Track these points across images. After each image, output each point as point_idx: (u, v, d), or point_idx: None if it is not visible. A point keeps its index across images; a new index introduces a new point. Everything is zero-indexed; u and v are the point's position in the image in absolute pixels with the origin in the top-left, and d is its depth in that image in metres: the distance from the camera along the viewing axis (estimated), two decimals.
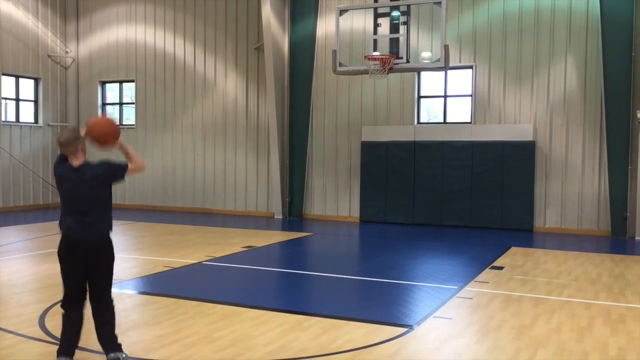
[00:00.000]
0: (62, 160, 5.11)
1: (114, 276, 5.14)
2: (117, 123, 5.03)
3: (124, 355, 5.03)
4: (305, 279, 9.33)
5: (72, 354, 4.96)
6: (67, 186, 4.97)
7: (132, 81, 19.12)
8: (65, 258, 4.92)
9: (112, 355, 4.98)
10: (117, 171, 5.12)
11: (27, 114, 18.97)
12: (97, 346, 5.29)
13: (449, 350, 5.63)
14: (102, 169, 5.06)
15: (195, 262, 9.91)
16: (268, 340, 5.78)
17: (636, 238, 13.44)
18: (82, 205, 4.91)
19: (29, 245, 11.48)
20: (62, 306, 4.98)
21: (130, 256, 10.53)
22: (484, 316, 6.79)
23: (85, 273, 4.91)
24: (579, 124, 14.24)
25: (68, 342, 4.94)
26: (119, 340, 5.09)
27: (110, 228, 5.06)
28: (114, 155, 5.30)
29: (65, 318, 4.95)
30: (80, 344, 5.32)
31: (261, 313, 6.76)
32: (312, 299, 8.07)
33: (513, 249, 11.62)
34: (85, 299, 5.00)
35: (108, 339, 5.02)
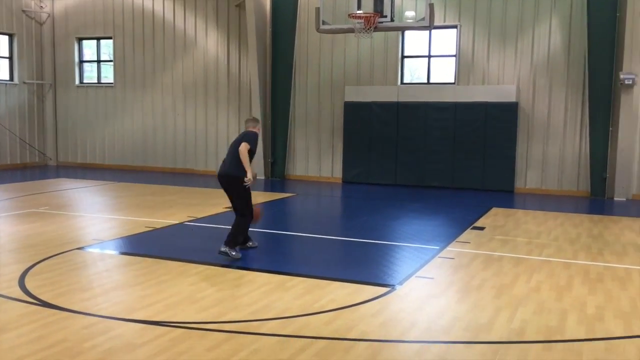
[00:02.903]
0: None
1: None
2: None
3: (233, 252, 7.32)
4: (288, 240, 9.33)
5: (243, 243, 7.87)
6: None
7: (110, 38, 18.66)
8: None
9: (222, 248, 7.38)
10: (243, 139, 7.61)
11: (2, 71, 18.48)
12: (77, 306, 5.24)
13: (431, 309, 5.69)
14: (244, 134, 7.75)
15: (177, 222, 9.85)
16: (251, 300, 5.79)
17: (615, 199, 13.63)
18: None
19: (6, 205, 11.30)
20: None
21: (111, 216, 10.44)
22: (465, 276, 6.86)
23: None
24: (561, 85, 14.24)
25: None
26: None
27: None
28: None
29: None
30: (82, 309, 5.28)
31: (244, 273, 6.76)
32: (295, 260, 8.09)
33: (494, 210, 11.73)
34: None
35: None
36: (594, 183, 13.96)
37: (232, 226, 7.63)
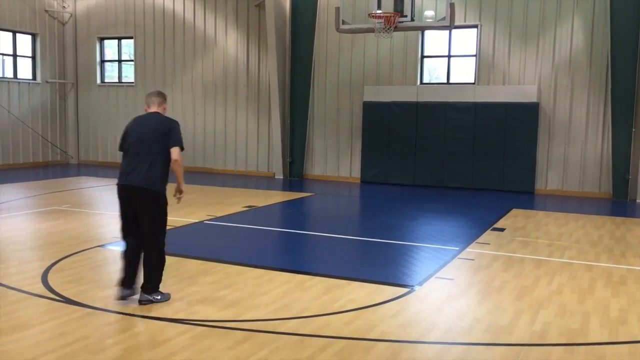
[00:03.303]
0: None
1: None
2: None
3: (158, 297, 5.55)
4: (307, 239, 9.34)
5: (130, 285, 5.54)
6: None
7: (131, 38, 18.83)
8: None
9: (142, 296, 5.51)
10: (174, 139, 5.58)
11: (25, 70, 18.73)
12: (99, 303, 5.32)
13: (451, 310, 5.65)
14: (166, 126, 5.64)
15: (196, 221, 9.91)
16: (271, 299, 5.80)
17: (637, 201, 13.44)
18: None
19: (29, 202, 11.46)
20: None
21: None
22: (485, 277, 6.81)
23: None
24: (583, 85, 14.08)
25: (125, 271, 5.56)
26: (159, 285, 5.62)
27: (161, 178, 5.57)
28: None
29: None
30: (85, 300, 5.35)
31: (264, 272, 6.78)
32: (314, 259, 8.09)
33: (514, 211, 11.63)
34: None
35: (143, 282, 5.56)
36: (617, 185, 13.78)
37: (147, 266, 5.52)
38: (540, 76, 14.40)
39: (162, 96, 5.92)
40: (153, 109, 5.81)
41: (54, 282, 6.18)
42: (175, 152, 5.48)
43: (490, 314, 5.53)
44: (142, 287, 5.53)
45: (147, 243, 5.51)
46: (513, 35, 14.54)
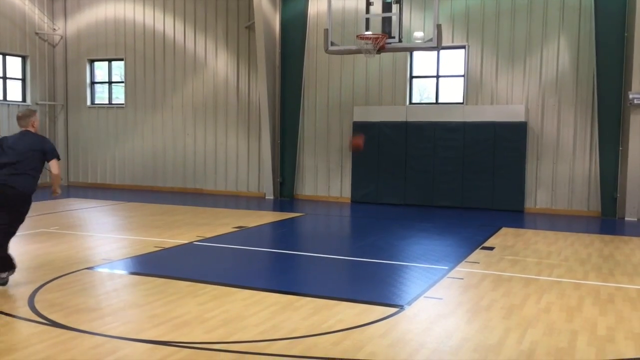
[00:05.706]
0: None
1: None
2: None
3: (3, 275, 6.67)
4: (297, 260, 9.32)
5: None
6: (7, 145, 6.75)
7: (122, 59, 18.89)
8: None
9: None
10: (47, 154, 6.84)
11: (14, 92, 18.72)
12: (85, 326, 5.27)
13: (440, 330, 5.65)
14: (39, 142, 6.84)
15: (186, 242, 9.88)
16: (259, 320, 5.78)
17: (626, 219, 13.52)
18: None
19: None
20: None
21: (121, 236, 10.48)
22: (474, 296, 6.82)
23: None
24: (570, 104, 14.23)
25: None
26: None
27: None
28: None
29: None
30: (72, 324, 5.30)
31: (252, 293, 6.75)
32: (304, 280, 8.07)
33: (504, 230, 11.67)
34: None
35: None
36: (605, 203, 13.87)
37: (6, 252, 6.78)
38: (527, 95, 14.55)
39: (33, 115, 7.00)
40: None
41: (40, 305, 6.13)
42: (54, 167, 6.93)
43: (479, 333, 5.53)
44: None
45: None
46: (500, 55, 14.71)
